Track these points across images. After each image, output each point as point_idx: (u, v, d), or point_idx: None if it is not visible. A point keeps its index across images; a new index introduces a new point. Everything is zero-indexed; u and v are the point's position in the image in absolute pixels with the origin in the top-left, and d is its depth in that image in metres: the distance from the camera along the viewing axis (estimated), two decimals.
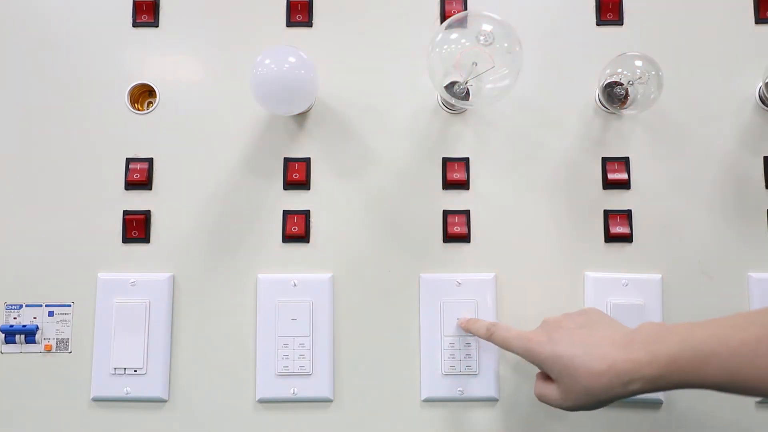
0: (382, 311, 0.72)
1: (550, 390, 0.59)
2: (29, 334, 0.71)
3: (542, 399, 0.60)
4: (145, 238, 0.72)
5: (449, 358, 0.70)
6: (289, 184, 0.73)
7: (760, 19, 0.75)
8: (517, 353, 0.61)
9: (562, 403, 0.58)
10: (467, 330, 0.69)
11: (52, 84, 0.75)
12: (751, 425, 0.69)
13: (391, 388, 0.71)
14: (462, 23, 0.64)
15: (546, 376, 0.60)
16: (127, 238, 0.72)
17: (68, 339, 0.71)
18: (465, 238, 0.72)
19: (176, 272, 0.72)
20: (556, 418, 0.70)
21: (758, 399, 0.69)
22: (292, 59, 0.66)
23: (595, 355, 0.55)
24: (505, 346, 0.62)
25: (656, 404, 0.70)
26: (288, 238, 0.72)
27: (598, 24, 0.75)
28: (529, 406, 0.70)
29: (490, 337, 0.64)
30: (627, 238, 0.72)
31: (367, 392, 0.71)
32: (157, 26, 0.76)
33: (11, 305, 0.72)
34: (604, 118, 0.74)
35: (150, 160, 0.74)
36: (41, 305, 0.72)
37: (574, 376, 0.55)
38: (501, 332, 0.63)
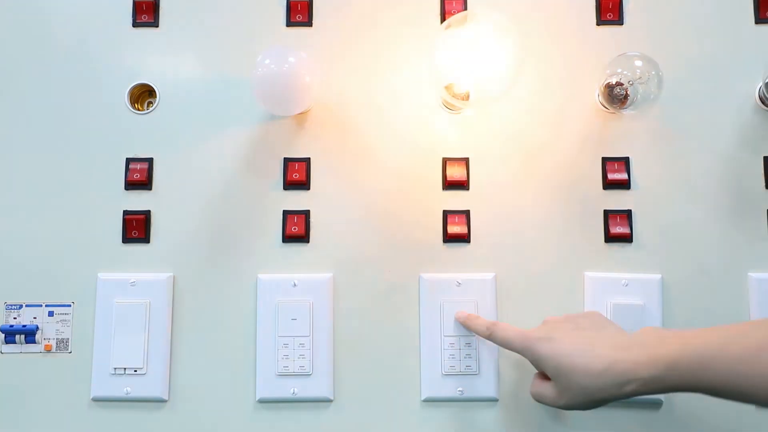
0: (382, 311, 0.72)
1: (546, 388, 0.59)
2: (29, 334, 0.71)
3: (537, 397, 0.61)
4: (145, 238, 0.72)
5: (449, 358, 0.70)
6: (289, 184, 0.73)
7: (760, 19, 0.75)
8: (517, 351, 0.61)
9: (557, 401, 0.58)
10: (466, 325, 0.69)
11: (53, 84, 0.75)
12: (751, 425, 0.69)
13: (391, 388, 0.71)
14: (462, 23, 0.64)
15: (543, 376, 0.60)
16: (127, 238, 0.72)
17: (68, 339, 0.71)
18: (465, 238, 0.72)
19: (176, 272, 0.72)
20: (556, 419, 0.70)
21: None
22: (292, 59, 0.66)
23: (594, 355, 0.55)
24: (504, 344, 0.63)
25: (656, 404, 0.70)
26: (288, 238, 0.72)
27: (598, 24, 0.75)
28: (529, 406, 0.70)
29: (489, 336, 0.64)
30: (627, 238, 0.72)
31: (367, 392, 0.71)
32: (157, 26, 0.76)
33: (11, 305, 0.72)
34: (604, 118, 0.74)
35: (150, 160, 0.74)
36: (41, 305, 0.72)
37: (570, 374, 0.55)
38: (501, 331, 0.63)
